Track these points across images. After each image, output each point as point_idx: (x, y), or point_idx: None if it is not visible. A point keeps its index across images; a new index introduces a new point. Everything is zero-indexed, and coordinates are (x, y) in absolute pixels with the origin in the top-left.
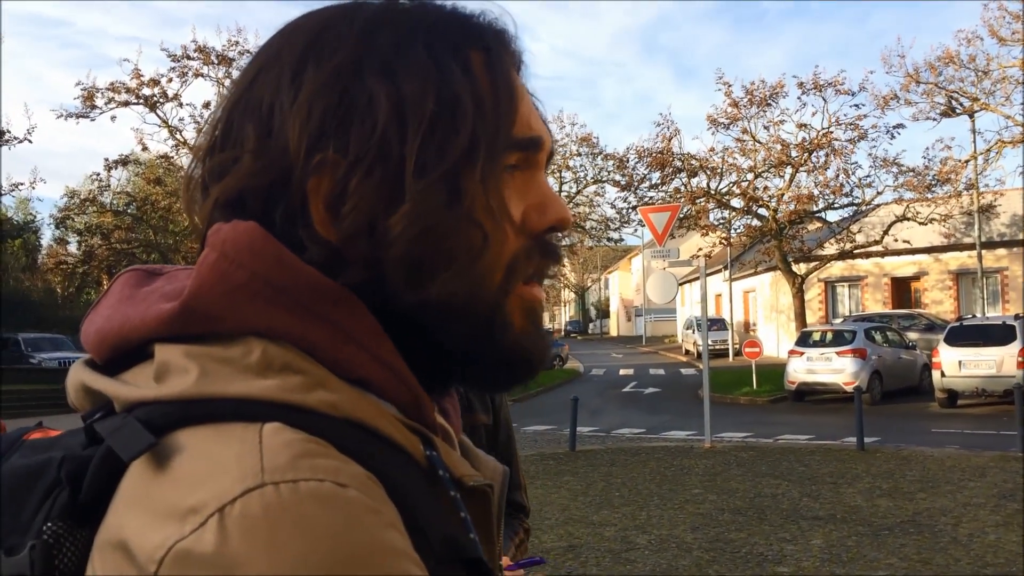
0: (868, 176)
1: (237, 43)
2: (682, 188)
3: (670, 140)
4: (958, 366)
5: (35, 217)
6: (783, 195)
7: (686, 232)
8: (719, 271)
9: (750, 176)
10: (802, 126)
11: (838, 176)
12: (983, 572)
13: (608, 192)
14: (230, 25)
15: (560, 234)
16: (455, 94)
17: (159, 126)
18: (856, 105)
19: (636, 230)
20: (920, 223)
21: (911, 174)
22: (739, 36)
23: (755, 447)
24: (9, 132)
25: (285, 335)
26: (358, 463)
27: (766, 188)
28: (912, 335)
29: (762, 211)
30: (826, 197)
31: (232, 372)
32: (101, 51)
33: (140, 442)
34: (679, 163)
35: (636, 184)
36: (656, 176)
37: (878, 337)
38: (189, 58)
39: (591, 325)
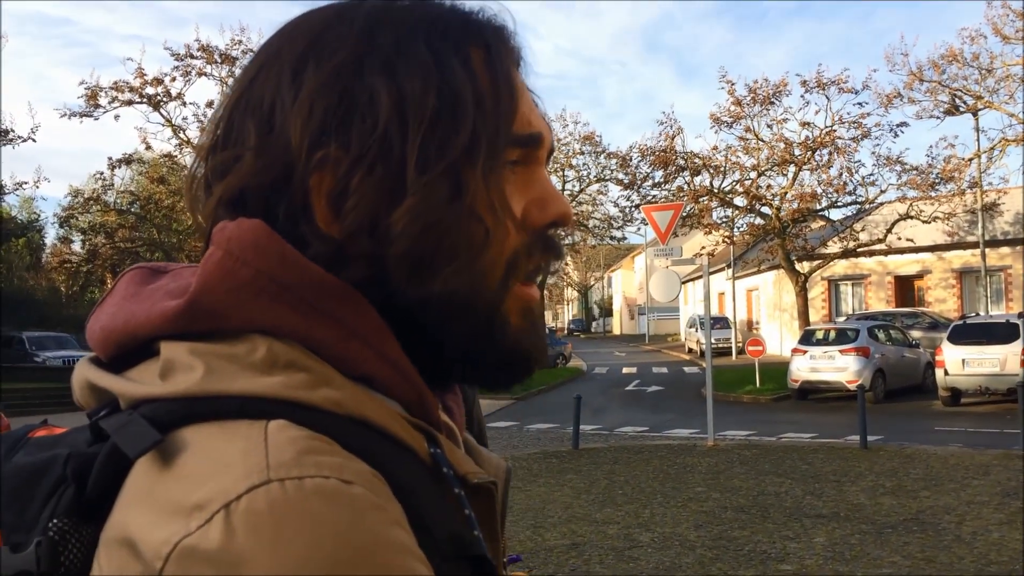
0: (871, 174)
1: (240, 42)
2: (685, 186)
3: (673, 138)
4: (961, 364)
5: (39, 216)
6: (786, 193)
7: (689, 230)
8: (722, 269)
9: (753, 174)
10: (805, 124)
11: (841, 174)
12: (987, 570)
13: (611, 190)
14: (233, 24)
15: (562, 230)
16: (456, 91)
17: (163, 125)
18: (859, 103)
19: (639, 228)
20: (924, 221)
21: (914, 172)
22: (741, 35)
23: (758, 445)
24: (13, 131)
25: (290, 332)
26: (363, 460)
27: (769, 186)
28: (915, 333)
29: (765, 209)
30: (829, 195)
31: (237, 369)
32: (105, 50)
33: (146, 439)
34: (682, 161)
35: (639, 182)
36: (659, 174)
37: (881, 335)
38: (192, 57)
39: (594, 324)
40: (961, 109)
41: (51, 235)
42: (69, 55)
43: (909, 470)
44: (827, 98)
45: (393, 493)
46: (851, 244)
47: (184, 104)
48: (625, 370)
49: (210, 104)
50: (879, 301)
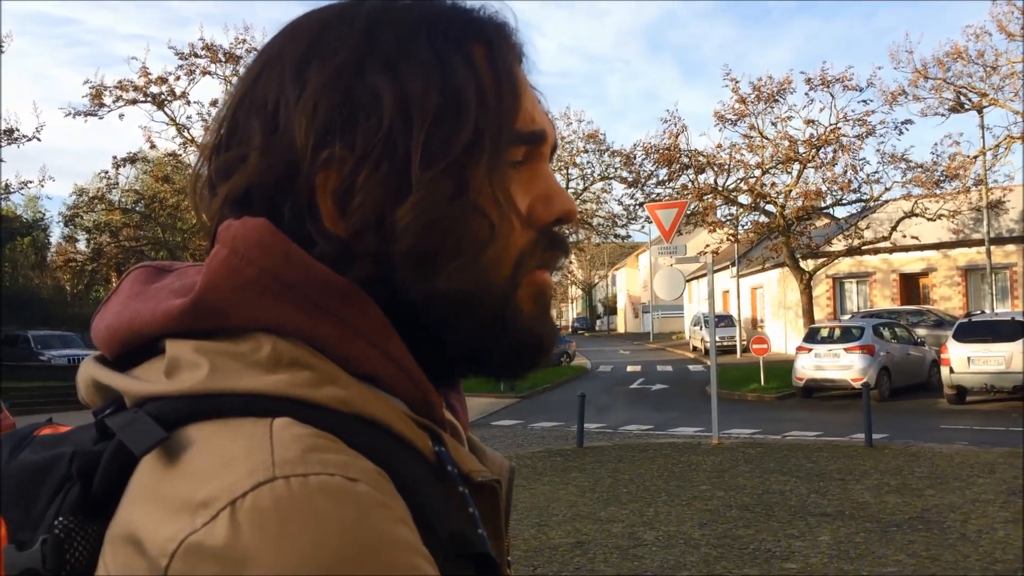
0: (876, 172)
1: (244, 41)
2: (689, 184)
3: (677, 136)
4: (967, 362)
5: (44, 215)
6: (791, 191)
7: (693, 229)
8: (727, 267)
9: (757, 172)
10: (810, 122)
11: (846, 172)
12: (992, 569)
13: (615, 189)
14: (237, 23)
15: (566, 226)
16: (458, 88)
17: (167, 124)
18: (864, 101)
19: (643, 227)
20: (928, 219)
21: (919, 170)
22: (745, 33)
23: (763, 443)
24: (18, 130)
25: (295, 331)
26: (367, 458)
27: (773, 184)
28: (920, 331)
29: (770, 207)
30: (834, 193)
31: (242, 367)
32: (109, 49)
33: (151, 437)
34: (686, 159)
35: (643, 180)
36: (663, 172)
37: (886, 333)
38: (196, 56)
39: (598, 322)
40: (966, 106)
41: (56, 234)
42: (73, 54)
43: (914, 468)
44: (831, 96)
45: (398, 491)
46: (856, 242)
47: (188, 103)
48: (629, 368)
49: (214, 103)
50: (884, 299)
